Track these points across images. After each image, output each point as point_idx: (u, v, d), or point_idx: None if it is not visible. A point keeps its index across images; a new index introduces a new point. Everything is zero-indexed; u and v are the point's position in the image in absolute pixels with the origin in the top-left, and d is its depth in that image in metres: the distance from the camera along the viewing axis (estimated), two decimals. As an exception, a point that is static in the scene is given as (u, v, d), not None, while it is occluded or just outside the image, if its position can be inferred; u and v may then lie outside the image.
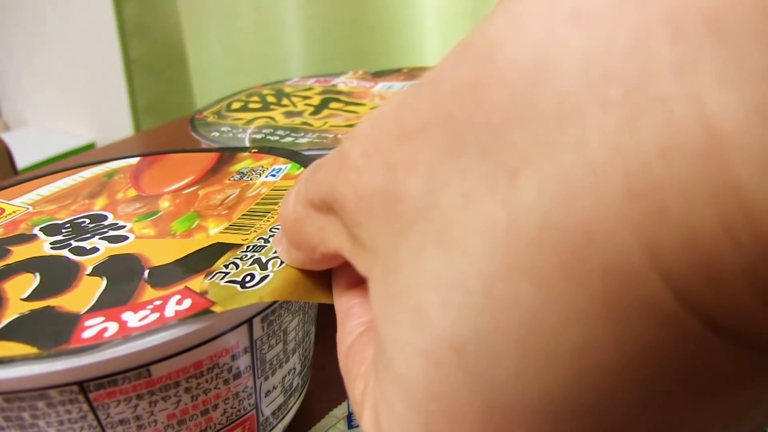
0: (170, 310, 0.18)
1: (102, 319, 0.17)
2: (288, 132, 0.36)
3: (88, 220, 0.25)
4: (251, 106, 0.43)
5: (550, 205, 0.09)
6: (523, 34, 0.09)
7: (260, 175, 0.27)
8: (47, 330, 0.17)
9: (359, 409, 0.14)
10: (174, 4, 0.91)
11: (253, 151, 0.30)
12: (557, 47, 0.09)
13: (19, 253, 0.22)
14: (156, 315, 0.17)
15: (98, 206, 0.26)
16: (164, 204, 0.25)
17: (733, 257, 0.07)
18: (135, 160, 0.31)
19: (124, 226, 0.24)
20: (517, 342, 0.09)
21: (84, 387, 0.17)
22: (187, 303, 0.18)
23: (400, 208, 0.11)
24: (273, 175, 0.27)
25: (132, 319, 0.17)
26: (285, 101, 0.44)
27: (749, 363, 0.09)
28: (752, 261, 0.07)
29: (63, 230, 0.24)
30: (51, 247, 0.23)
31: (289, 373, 0.22)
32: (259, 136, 0.36)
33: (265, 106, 0.43)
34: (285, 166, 0.28)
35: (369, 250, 0.12)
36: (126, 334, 0.16)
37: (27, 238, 0.23)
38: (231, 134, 0.37)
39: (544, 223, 0.09)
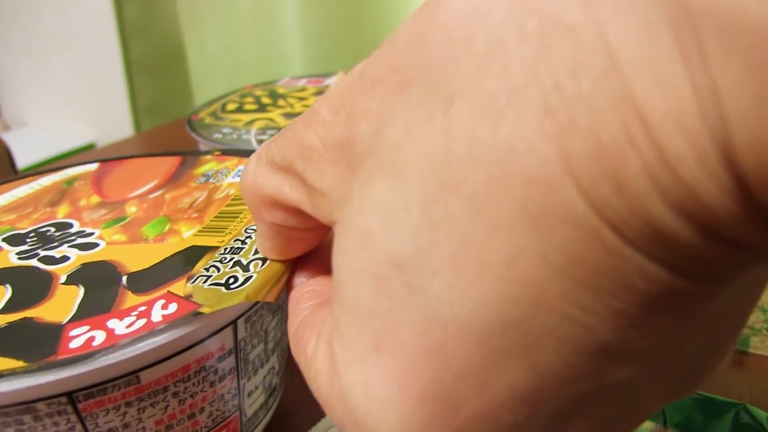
0: (157, 315, 0.17)
1: (87, 327, 0.17)
2: None
3: (53, 229, 0.24)
4: (247, 107, 0.43)
5: (478, 125, 0.10)
6: None
7: (226, 176, 0.27)
8: (30, 342, 0.17)
9: (310, 362, 0.14)
10: (174, 4, 0.90)
11: (216, 153, 0.30)
12: None
13: (-15, 265, 0.22)
14: (143, 321, 0.17)
15: (62, 214, 0.25)
16: (131, 209, 0.25)
17: (636, 162, 0.08)
18: (93, 167, 0.30)
19: (92, 233, 0.23)
20: (451, 256, 0.10)
21: (73, 397, 0.16)
22: (173, 307, 0.18)
23: (353, 150, 0.12)
24: (239, 176, 0.27)
25: (119, 326, 0.17)
26: (281, 102, 0.44)
27: (664, 285, 0.09)
28: (652, 164, 0.08)
29: (28, 240, 0.23)
30: (18, 258, 0.22)
31: (269, 372, 0.22)
32: (265, 138, 0.36)
33: (262, 108, 0.43)
34: (250, 167, 0.28)
35: (331, 197, 0.14)
36: (115, 341, 0.16)
37: (-10, 249, 0.23)
38: (235, 136, 0.37)
39: (473, 142, 0.10)
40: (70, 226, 0.24)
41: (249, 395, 0.21)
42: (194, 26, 0.86)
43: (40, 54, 1.57)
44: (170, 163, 0.30)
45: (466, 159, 0.10)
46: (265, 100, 0.45)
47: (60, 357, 0.16)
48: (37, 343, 0.17)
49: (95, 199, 0.26)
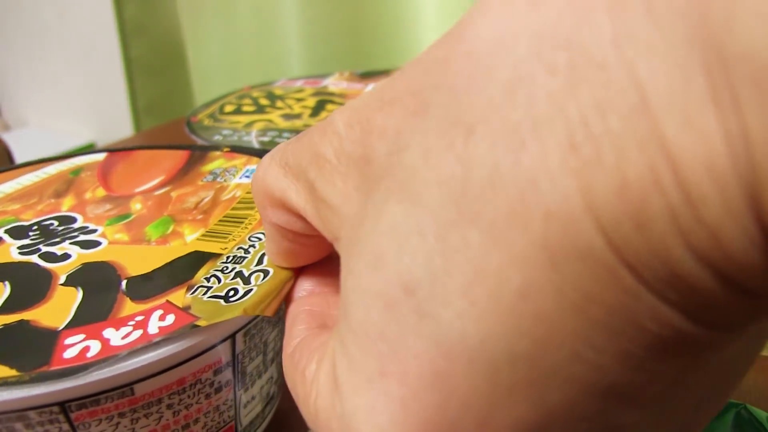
0: (153, 326, 0.17)
1: (83, 336, 0.17)
2: (294, 135, 0.36)
3: (56, 222, 0.24)
4: (245, 108, 0.43)
5: (500, 155, 0.10)
6: (488, 16, 0.11)
7: (234, 176, 0.27)
8: (25, 348, 0.17)
9: (310, 385, 0.14)
10: (174, 4, 0.90)
11: (225, 150, 0.30)
12: (515, 24, 0.10)
13: (-15, 258, 0.21)
14: (139, 332, 0.17)
15: (66, 206, 0.25)
16: (136, 206, 0.25)
17: (659, 203, 0.08)
18: (101, 156, 0.30)
19: (95, 230, 0.23)
20: (465, 284, 0.10)
21: (65, 407, 0.16)
22: (170, 319, 0.17)
23: (369, 169, 0.12)
24: (247, 177, 0.27)
25: (114, 336, 0.17)
26: (279, 103, 0.43)
27: (675, 329, 0.09)
28: (676, 206, 0.08)
29: (30, 233, 0.23)
30: (19, 252, 0.22)
31: (267, 382, 0.22)
32: (266, 139, 0.36)
33: (260, 109, 0.43)
34: (259, 167, 0.28)
35: (338, 212, 0.13)
36: (110, 354, 0.16)
37: (-8, 241, 0.23)
38: (236, 137, 0.37)
39: (494, 172, 0.10)
40: (74, 220, 0.24)
41: (245, 405, 0.21)
42: (194, 26, 0.85)
43: (41, 54, 1.58)
44: (178, 157, 0.29)
45: (486, 188, 0.10)
46: (263, 102, 0.44)
47: (53, 368, 0.16)
48: (31, 349, 0.17)
49: (101, 192, 0.26)
